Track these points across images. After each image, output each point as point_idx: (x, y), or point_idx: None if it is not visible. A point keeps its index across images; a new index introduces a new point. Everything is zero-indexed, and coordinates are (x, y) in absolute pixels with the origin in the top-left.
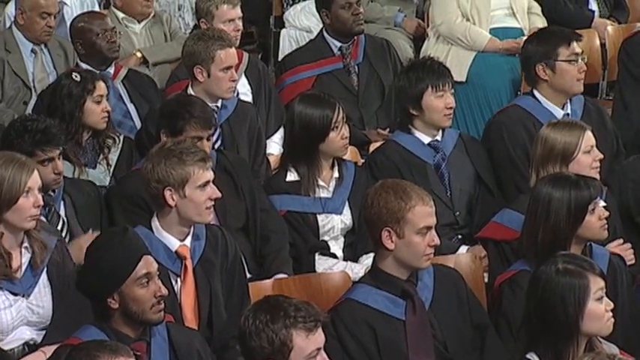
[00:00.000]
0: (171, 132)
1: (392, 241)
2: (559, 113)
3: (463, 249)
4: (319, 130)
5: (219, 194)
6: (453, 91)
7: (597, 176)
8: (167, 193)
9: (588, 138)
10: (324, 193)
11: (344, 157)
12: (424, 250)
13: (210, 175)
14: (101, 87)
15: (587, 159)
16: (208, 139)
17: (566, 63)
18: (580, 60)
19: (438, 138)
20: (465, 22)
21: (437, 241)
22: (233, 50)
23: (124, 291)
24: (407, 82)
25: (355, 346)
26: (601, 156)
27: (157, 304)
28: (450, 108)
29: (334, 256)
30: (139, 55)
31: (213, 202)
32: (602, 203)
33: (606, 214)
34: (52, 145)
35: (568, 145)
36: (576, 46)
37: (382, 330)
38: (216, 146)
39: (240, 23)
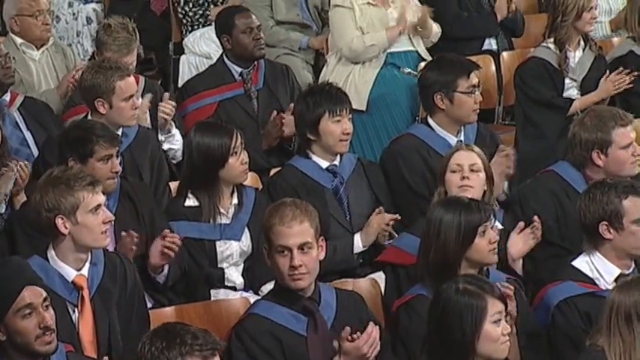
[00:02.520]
0: (80, 157)
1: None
2: (453, 141)
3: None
4: (218, 157)
5: (111, 217)
6: (350, 116)
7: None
8: (59, 222)
9: (459, 157)
10: (223, 220)
11: (244, 183)
12: (286, 270)
13: (101, 198)
14: None
15: (455, 177)
16: (117, 157)
17: (464, 94)
18: (477, 91)
19: (336, 162)
20: (361, 36)
21: (296, 262)
22: (132, 78)
23: (8, 323)
24: (305, 107)
25: (263, 356)
26: (479, 180)
27: (43, 335)
28: (347, 134)
29: (233, 287)
30: None
31: (107, 226)
32: (498, 226)
33: (496, 238)
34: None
35: (441, 164)
36: (475, 78)
37: (287, 342)
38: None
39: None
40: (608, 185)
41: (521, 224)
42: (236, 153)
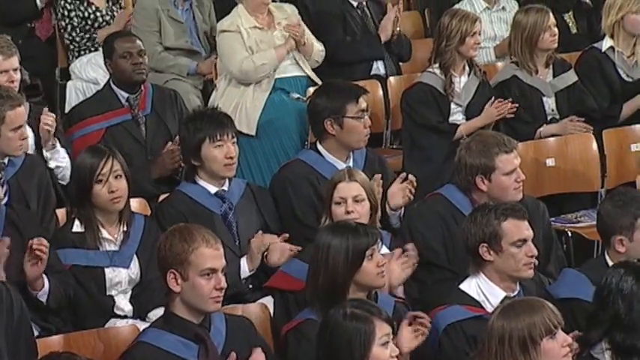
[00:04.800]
0: None
1: (177, 284)
2: (341, 166)
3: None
4: (84, 181)
5: None
6: (234, 140)
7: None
8: None
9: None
10: (111, 247)
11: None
12: (209, 292)
13: None
14: None
15: (340, 210)
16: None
17: (354, 119)
18: (366, 116)
19: (225, 187)
20: (250, 56)
21: (223, 284)
22: (22, 108)
23: None
24: (187, 132)
25: None
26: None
27: None
28: (230, 158)
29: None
30: None
31: None
32: (384, 250)
33: (384, 261)
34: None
35: (326, 194)
36: (363, 102)
37: None
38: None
39: (15, 74)
40: (488, 208)
41: (398, 251)
42: (101, 181)
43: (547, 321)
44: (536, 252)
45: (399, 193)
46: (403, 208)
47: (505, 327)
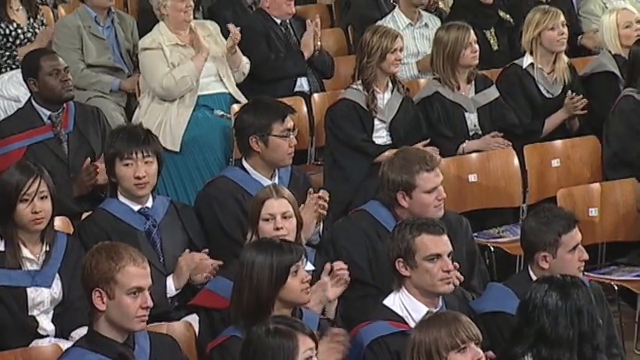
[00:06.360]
0: None
1: (103, 302)
2: (267, 183)
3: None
4: (7, 198)
5: None
6: (149, 159)
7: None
8: None
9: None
10: (33, 266)
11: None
12: (135, 311)
13: None
14: None
15: (268, 227)
16: None
17: (279, 138)
18: (292, 135)
19: (149, 205)
20: (170, 72)
21: (149, 302)
22: None
23: None
24: (106, 149)
25: None
26: (292, 226)
27: None
28: (137, 177)
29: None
30: None
31: None
32: (309, 267)
33: (308, 277)
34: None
35: (253, 211)
36: (289, 122)
37: None
38: None
39: None
40: (405, 223)
41: (328, 266)
42: (26, 200)
43: (454, 335)
44: (451, 267)
45: (310, 208)
46: (322, 224)
47: (416, 339)
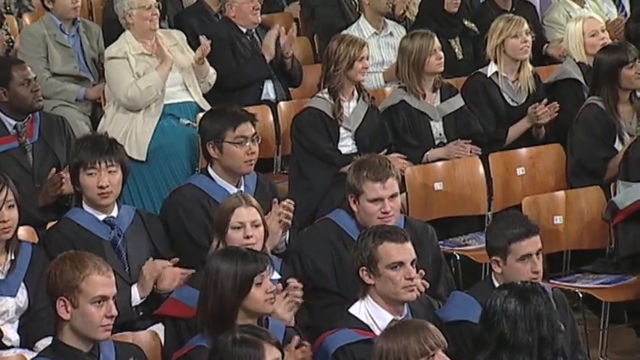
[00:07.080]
0: None
1: (67, 311)
2: (233, 190)
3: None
4: None
5: None
6: (113, 169)
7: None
8: None
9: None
10: None
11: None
12: (100, 320)
13: None
14: None
15: (238, 235)
16: None
17: (233, 145)
18: (249, 142)
19: (114, 214)
20: (135, 82)
21: (114, 311)
22: None
23: None
24: (70, 159)
25: None
26: (260, 235)
27: None
28: (101, 187)
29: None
30: None
31: None
32: (275, 276)
33: (273, 288)
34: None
35: (220, 219)
36: (245, 129)
37: None
38: None
39: None
40: (368, 232)
41: (279, 286)
42: None
43: (422, 342)
44: (414, 274)
45: (275, 217)
46: (288, 232)
47: (383, 347)
